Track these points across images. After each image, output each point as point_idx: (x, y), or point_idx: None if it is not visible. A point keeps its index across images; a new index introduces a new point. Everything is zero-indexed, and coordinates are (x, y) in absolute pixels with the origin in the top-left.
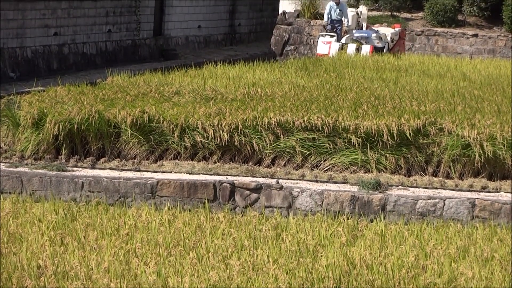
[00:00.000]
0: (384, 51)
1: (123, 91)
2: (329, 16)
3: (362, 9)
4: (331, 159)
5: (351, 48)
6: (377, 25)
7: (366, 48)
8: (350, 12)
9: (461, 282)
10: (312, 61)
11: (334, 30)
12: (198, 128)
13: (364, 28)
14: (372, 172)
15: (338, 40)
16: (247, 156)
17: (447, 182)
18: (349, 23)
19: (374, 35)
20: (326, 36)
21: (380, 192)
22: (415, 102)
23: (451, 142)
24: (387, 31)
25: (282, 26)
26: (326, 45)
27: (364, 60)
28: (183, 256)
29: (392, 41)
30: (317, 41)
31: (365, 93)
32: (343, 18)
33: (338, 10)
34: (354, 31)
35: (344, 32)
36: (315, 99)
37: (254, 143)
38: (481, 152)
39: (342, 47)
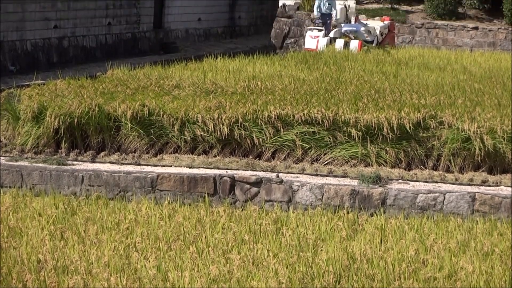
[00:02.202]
0: (373, 44)
1: (123, 84)
2: (318, 10)
3: (350, 2)
4: (331, 152)
5: (339, 43)
6: (363, 17)
7: (354, 44)
8: (339, 5)
9: (461, 276)
10: (312, 54)
11: (323, 25)
12: (198, 121)
13: (352, 22)
14: (372, 166)
15: (327, 34)
16: (247, 149)
17: (447, 176)
18: (338, 17)
19: (363, 28)
20: (314, 30)
21: (380, 186)
22: (415, 95)
23: (451, 136)
24: (376, 25)
25: (282, 19)
26: (314, 40)
27: (363, 53)
28: (183, 250)
29: (382, 35)
30: (304, 35)
31: (365, 86)
32: (332, 12)
33: (327, 3)
34: (342, 25)
35: (332, 26)
36: (315, 93)
37: (254, 136)
38: (481, 145)
39: (331, 42)
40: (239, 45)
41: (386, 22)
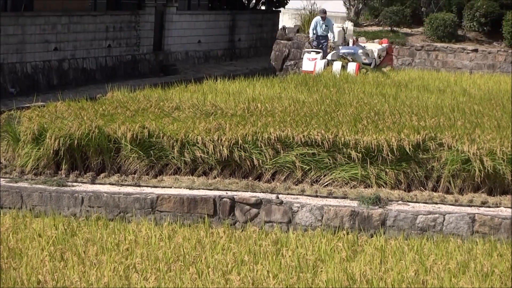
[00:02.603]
0: (371, 67)
1: (123, 106)
2: (314, 32)
3: (348, 25)
4: (331, 174)
5: (337, 66)
6: (363, 39)
7: (352, 66)
8: (336, 28)
9: None
10: (312, 76)
11: (320, 46)
12: (198, 143)
13: (350, 44)
14: (372, 187)
15: (324, 56)
16: (247, 171)
17: (447, 197)
18: (335, 39)
19: (360, 51)
20: (312, 52)
21: (380, 207)
22: (415, 117)
23: (451, 157)
24: (374, 47)
25: (282, 41)
26: (312, 62)
27: (362, 76)
28: (183, 271)
29: (379, 57)
30: (302, 58)
31: (365, 108)
32: (329, 34)
33: (324, 25)
34: (340, 47)
35: (330, 48)
36: (315, 114)
37: (254, 158)
38: (481, 167)
39: (328, 64)
40: (239, 67)
41: (384, 44)
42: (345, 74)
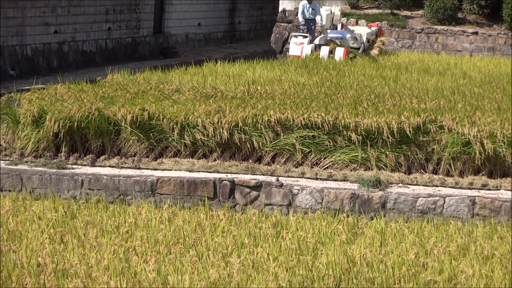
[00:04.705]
0: (360, 51)
1: (123, 89)
2: (302, 15)
3: (335, 10)
4: (331, 156)
5: (324, 50)
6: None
7: (340, 51)
8: (324, 11)
9: (462, 280)
10: (312, 58)
11: (307, 31)
12: (198, 125)
13: (339, 28)
14: (372, 169)
15: (312, 40)
16: (247, 153)
17: (447, 179)
18: (323, 22)
19: (349, 35)
20: (299, 37)
21: (380, 190)
22: (415, 99)
23: (451, 140)
24: (363, 31)
25: (282, 24)
26: (299, 46)
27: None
28: (183, 254)
29: (368, 41)
30: (289, 42)
31: (365, 91)
32: (316, 17)
33: (310, 9)
34: (328, 31)
35: (317, 32)
36: (315, 97)
37: (254, 140)
38: (481, 149)
39: (316, 48)
40: (239, 50)
41: (373, 28)
42: (332, 60)
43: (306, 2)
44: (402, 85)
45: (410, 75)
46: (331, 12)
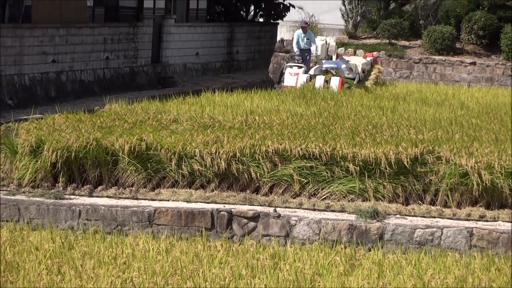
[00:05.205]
0: (355, 82)
1: (121, 118)
2: (297, 46)
3: (330, 40)
4: (329, 187)
5: (319, 80)
6: (345, 52)
7: (335, 81)
8: (319, 41)
9: None
10: (310, 88)
11: (303, 61)
12: (195, 156)
13: (334, 58)
14: (370, 200)
15: (307, 70)
16: (244, 184)
17: (444, 211)
18: (318, 52)
19: (344, 65)
20: (294, 67)
21: (378, 221)
22: (413, 130)
23: (449, 171)
24: (358, 61)
25: (280, 53)
26: (293, 77)
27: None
28: (181, 285)
29: (364, 72)
30: (284, 72)
31: (363, 121)
32: (311, 46)
33: (305, 38)
34: (323, 62)
35: (312, 62)
36: (313, 127)
37: (251, 171)
38: (479, 180)
39: (311, 79)
40: (237, 80)
41: (368, 58)
42: (328, 89)
43: (301, 31)
44: (400, 116)
45: (408, 105)
46: (326, 43)
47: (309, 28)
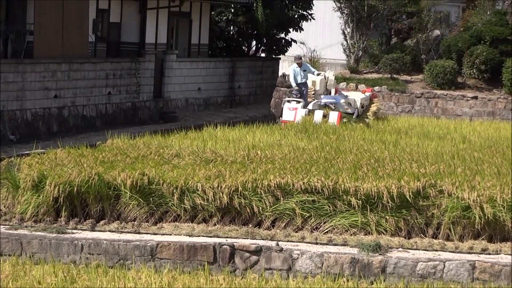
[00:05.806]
0: (354, 117)
1: (123, 153)
2: (295, 81)
3: (329, 74)
4: (331, 221)
5: (318, 115)
6: (347, 87)
7: (334, 116)
8: (318, 76)
9: None
10: (311, 123)
11: (299, 95)
12: (198, 190)
13: (332, 93)
14: (372, 234)
15: (305, 105)
16: (247, 218)
17: (447, 244)
18: (317, 88)
19: (342, 100)
20: (292, 102)
21: (380, 254)
22: (415, 164)
23: (451, 204)
24: (357, 96)
25: (281, 88)
26: (292, 111)
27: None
28: None
29: (362, 107)
30: (282, 107)
31: (365, 155)
32: (309, 74)
33: (301, 71)
34: (322, 96)
35: (311, 94)
36: (315, 162)
37: (254, 205)
38: (481, 214)
39: (309, 113)
40: (239, 114)
41: (367, 93)
42: (327, 124)
43: (296, 65)
44: (402, 150)
45: (410, 139)
46: (325, 77)
47: (303, 61)
